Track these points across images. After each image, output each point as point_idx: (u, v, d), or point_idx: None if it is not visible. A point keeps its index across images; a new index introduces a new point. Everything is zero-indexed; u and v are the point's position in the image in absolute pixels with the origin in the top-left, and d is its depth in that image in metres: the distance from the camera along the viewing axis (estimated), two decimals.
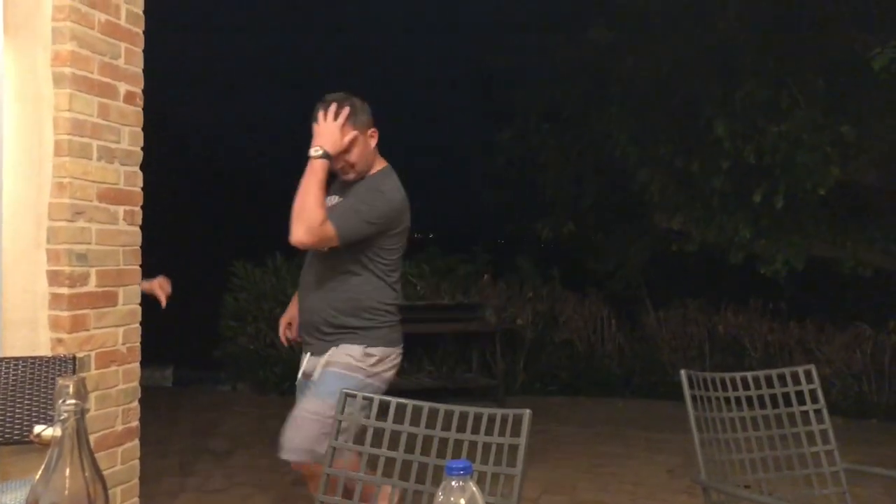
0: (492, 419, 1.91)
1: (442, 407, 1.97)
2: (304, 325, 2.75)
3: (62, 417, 1.04)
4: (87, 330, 2.94)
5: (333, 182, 2.76)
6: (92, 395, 2.91)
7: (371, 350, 2.60)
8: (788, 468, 2.63)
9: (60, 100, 2.84)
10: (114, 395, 3.08)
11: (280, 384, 6.82)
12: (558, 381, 8.01)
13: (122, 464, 3.13)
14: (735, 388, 2.66)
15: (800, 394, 2.67)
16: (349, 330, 2.60)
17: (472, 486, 1.13)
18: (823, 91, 6.78)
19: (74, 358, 2.76)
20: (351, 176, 2.67)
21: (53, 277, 2.86)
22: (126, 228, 3.14)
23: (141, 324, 3.25)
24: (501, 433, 1.88)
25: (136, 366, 3.23)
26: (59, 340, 2.85)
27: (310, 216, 2.46)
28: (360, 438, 2.05)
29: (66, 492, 1.02)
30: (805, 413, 2.65)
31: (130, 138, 3.15)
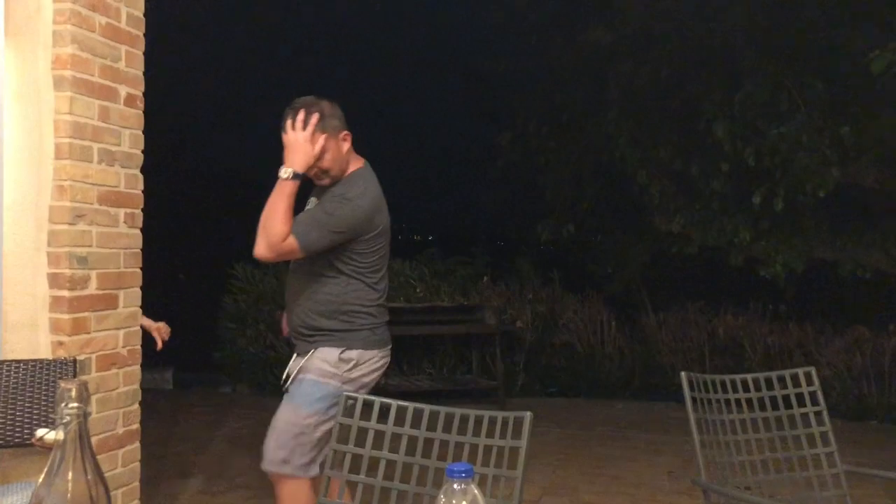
0: (492, 422, 1.91)
1: (442, 409, 1.97)
2: (290, 327, 2.75)
3: (64, 421, 1.04)
4: (88, 333, 2.94)
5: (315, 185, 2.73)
6: (93, 398, 2.91)
7: (348, 353, 2.54)
8: (789, 470, 2.64)
9: (61, 103, 2.84)
10: (114, 397, 3.08)
11: (280, 386, 6.80)
12: (558, 383, 8.01)
13: (123, 466, 3.13)
14: (735, 391, 2.67)
15: (800, 396, 2.67)
16: (327, 332, 2.56)
17: (474, 489, 1.13)
18: (823, 93, 6.79)
19: (75, 361, 2.76)
20: (326, 181, 2.61)
21: (54, 280, 2.86)
22: (127, 231, 3.14)
23: (141, 326, 3.25)
24: (502, 436, 1.88)
25: (137, 368, 3.22)
26: (60, 343, 2.85)
27: (272, 232, 2.44)
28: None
29: (69, 495, 1.02)
30: (805, 415, 2.65)
31: (131, 141, 3.15)
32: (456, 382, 7.49)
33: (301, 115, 2.52)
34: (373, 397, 2.05)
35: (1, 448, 2.64)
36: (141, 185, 3.23)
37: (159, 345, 3.31)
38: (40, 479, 1.04)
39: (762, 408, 2.67)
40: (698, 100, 7.23)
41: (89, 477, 1.04)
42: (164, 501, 4.18)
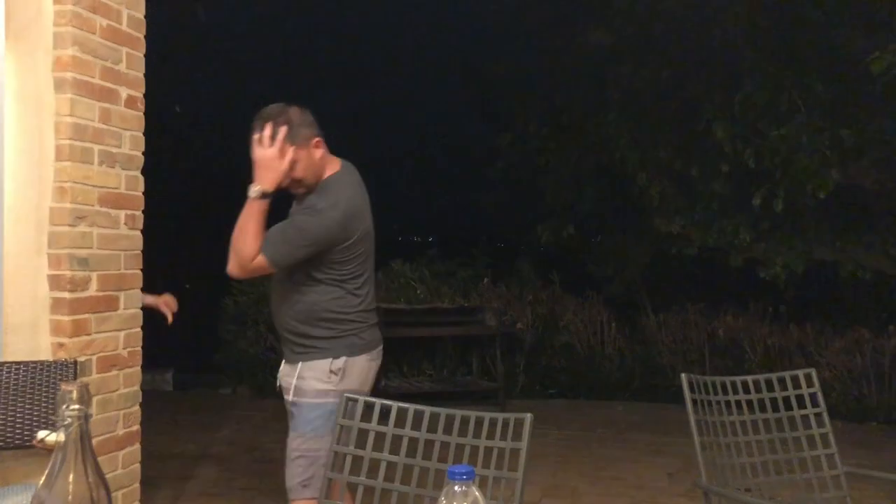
0: (493, 423, 1.92)
1: (443, 411, 1.97)
2: (277, 332, 2.74)
3: (65, 423, 1.04)
4: (89, 334, 2.94)
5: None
6: (93, 400, 2.91)
7: (336, 363, 2.50)
8: (789, 472, 2.64)
9: (61, 104, 2.85)
10: (115, 399, 3.08)
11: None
12: (558, 384, 8.01)
13: (123, 468, 3.13)
14: (735, 392, 2.67)
15: (800, 397, 2.68)
16: (312, 340, 2.52)
17: (475, 491, 1.13)
18: (823, 94, 6.79)
19: (76, 362, 2.77)
20: (301, 191, 2.55)
21: (55, 282, 2.86)
22: (127, 233, 3.14)
23: (142, 328, 3.25)
24: (503, 437, 1.88)
25: (138, 370, 3.23)
26: (61, 345, 2.85)
27: (242, 253, 2.40)
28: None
29: (70, 497, 1.02)
30: (805, 417, 2.65)
31: (131, 143, 3.16)
32: (456, 384, 7.49)
33: (268, 130, 2.43)
34: (373, 399, 2.06)
35: (2, 450, 2.64)
36: (141, 187, 3.23)
37: (169, 318, 3.26)
38: (41, 481, 1.05)
39: (762, 409, 2.67)
40: (698, 101, 7.23)
41: (90, 479, 1.04)
42: (164, 503, 4.18)
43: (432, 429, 1.97)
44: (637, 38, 7.75)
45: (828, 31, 6.86)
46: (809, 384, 2.68)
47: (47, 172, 2.85)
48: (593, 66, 8.31)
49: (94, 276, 2.96)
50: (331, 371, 2.49)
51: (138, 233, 3.22)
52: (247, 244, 2.40)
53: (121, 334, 3.11)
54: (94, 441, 2.50)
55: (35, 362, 2.72)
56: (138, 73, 3.20)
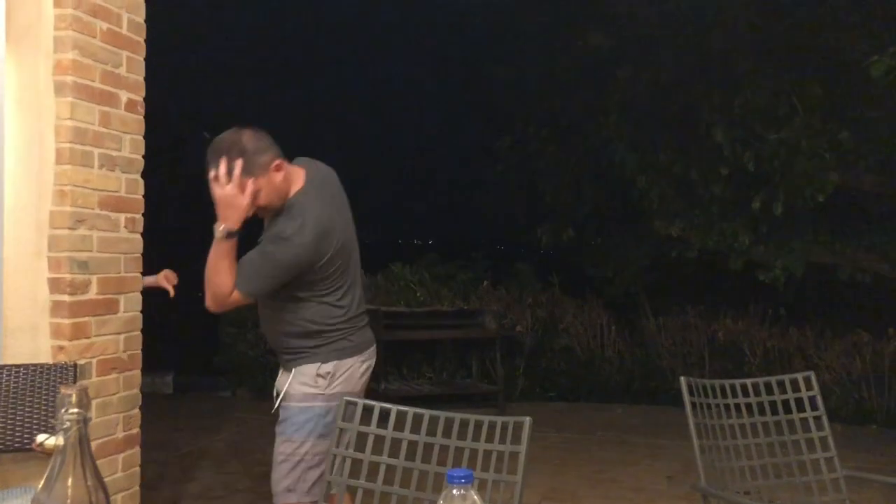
0: (492, 427, 1.92)
1: (442, 414, 1.97)
2: (270, 344, 2.73)
3: (65, 426, 1.05)
4: (89, 337, 2.94)
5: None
6: (93, 403, 2.91)
7: (324, 367, 2.49)
8: (788, 475, 2.64)
9: (62, 108, 2.85)
10: (115, 402, 3.08)
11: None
12: (558, 387, 8.01)
13: (123, 471, 3.13)
14: (735, 395, 2.67)
15: (799, 401, 2.68)
16: (302, 350, 2.52)
17: (474, 495, 1.13)
18: (822, 98, 6.80)
19: (76, 365, 2.77)
20: (269, 215, 2.49)
21: (54, 285, 2.86)
22: (127, 236, 3.14)
23: (142, 331, 3.25)
24: (502, 441, 1.88)
25: (137, 373, 3.23)
26: (61, 348, 2.85)
27: (218, 290, 2.38)
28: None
29: (69, 500, 1.03)
30: (805, 420, 2.65)
31: (132, 146, 3.16)
32: (456, 387, 7.49)
33: (223, 166, 2.32)
34: (373, 402, 2.06)
35: (1, 453, 2.64)
36: (141, 190, 3.23)
37: (171, 292, 3.20)
38: (40, 485, 1.05)
39: (762, 412, 2.67)
40: (697, 104, 7.24)
41: (89, 482, 1.04)
42: None
43: (431, 432, 1.97)
44: (636, 42, 7.76)
45: (826, 34, 6.87)
46: (809, 387, 2.68)
47: (47, 176, 2.86)
48: (593, 69, 8.32)
49: (93, 279, 2.96)
50: (318, 375, 2.48)
51: (138, 236, 3.22)
52: (221, 282, 2.36)
53: (121, 337, 3.11)
54: (94, 444, 2.51)
55: (35, 365, 2.72)
56: (138, 77, 3.20)
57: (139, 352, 3.24)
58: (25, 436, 2.64)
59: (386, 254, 9.77)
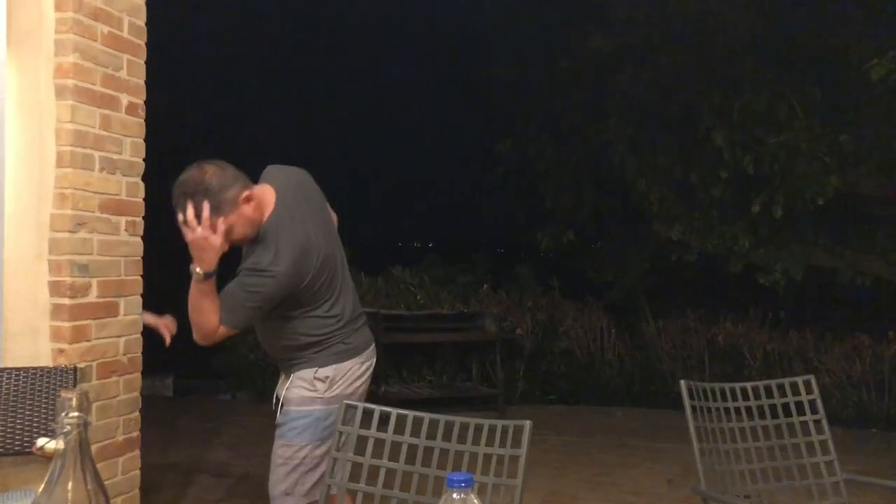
0: (492, 430, 1.92)
1: (442, 418, 1.97)
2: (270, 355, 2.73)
3: (65, 430, 1.05)
4: (89, 340, 2.94)
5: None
6: (93, 406, 2.91)
7: (322, 371, 2.48)
8: (788, 479, 2.64)
9: (62, 111, 2.86)
10: (115, 405, 3.09)
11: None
12: (558, 390, 8.01)
13: (123, 474, 3.13)
14: (735, 399, 2.67)
15: (799, 404, 2.68)
16: (301, 357, 2.52)
17: (474, 499, 1.13)
18: (821, 101, 6.81)
19: (76, 368, 2.77)
20: (246, 244, 2.45)
21: (55, 288, 2.86)
22: (127, 239, 3.15)
23: (142, 334, 3.25)
24: (502, 444, 1.88)
25: (138, 376, 3.23)
26: (61, 351, 2.85)
27: (204, 327, 2.37)
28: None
29: None
30: (805, 423, 2.65)
31: (132, 149, 3.17)
32: (456, 390, 7.49)
33: (190, 211, 2.26)
34: (373, 405, 2.05)
35: (1, 456, 2.64)
36: (142, 194, 3.24)
37: (167, 340, 3.24)
38: (40, 489, 1.05)
39: (762, 416, 2.67)
40: (697, 108, 7.25)
41: (89, 486, 1.04)
42: None
43: (432, 435, 1.97)
44: (637, 46, 7.76)
45: (826, 38, 6.88)
46: (809, 391, 2.68)
47: (48, 179, 2.86)
48: (593, 72, 8.33)
49: (94, 282, 2.97)
50: (315, 378, 2.48)
51: (139, 239, 3.23)
52: (206, 320, 2.35)
53: (121, 340, 3.12)
54: (94, 447, 2.50)
55: (35, 368, 2.72)
56: (139, 80, 3.21)
57: (139, 355, 3.24)
58: (25, 439, 2.64)
59: (386, 256, 9.78)
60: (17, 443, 2.63)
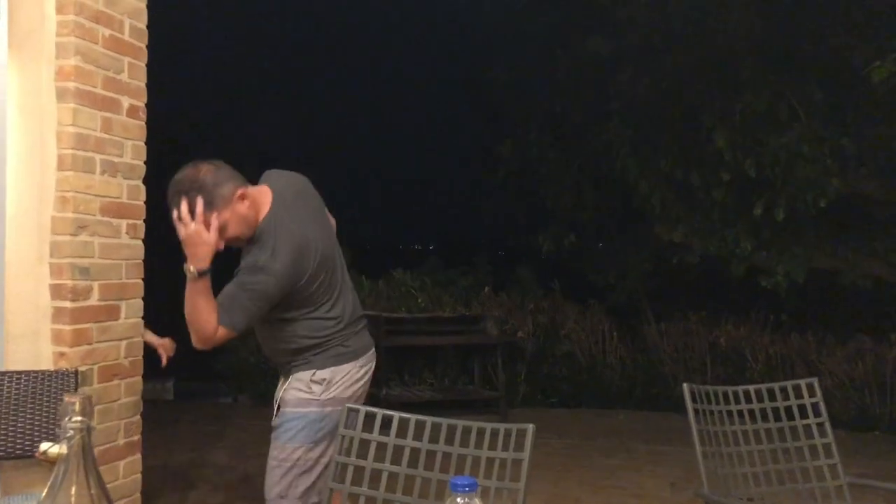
0: (495, 434, 1.91)
1: (445, 421, 1.97)
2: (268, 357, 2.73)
3: (68, 435, 1.04)
4: (90, 344, 2.94)
5: None
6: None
7: (320, 374, 2.47)
8: (791, 482, 2.63)
9: (64, 114, 2.86)
10: (116, 408, 3.08)
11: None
12: (560, 393, 8.00)
13: (124, 478, 3.13)
14: (737, 402, 2.67)
15: (802, 407, 2.67)
16: (300, 359, 2.50)
17: (478, 503, 1.13)
18: (822, 103, 6.81)
19: (77, 372, 2.76)
20: (241, 244, 2.44)
21: (56, 291, 2.86)
22: (129, 242, 3.15)
23: (146, 343, 3.25)
24: (505, 448, 1.88)
25: (139, 379, 3.23)
26: (62, 354, 2.85)
27: (202, 329, 2.33)
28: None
29: None
30: (808, 426, 2.65)
31: (133, 152, 3.17)
32: (457, 393, 7.48)
33: (184, 206, 2.28)
34: (375, 409, 2.05)
35: (3, 460, 2.64)
36: (143, 196, 3.24)
37: (164, 361, 3.29)
38: (44, 494, 1.04)
39: (764, 419, 2.67)
40: (699, 110, 7.25)
41: (93, 491, 1.04)
42: None
43: (434, 439, 1.96)
44: (638, 47, 7.77)
45: (828, 40, 6.88)
46: (811, 394, 2.67)
47: (49, 182, 2.86)
48: (594, 75, 8.33)
49: (95, 285, 2.96)
50: (312, 381, 2.47)
51: (140, 242, 3.22)
52: (203, 321, 2.32)
53: (122, 344, 3.11)
54: (96, 451, 2.50)
55: (36, 372, 2.72)
56: (140, 83, 3.21)
57: (140, 358, 3.24)
58: (27, 443, 2.63)
59: (387, 259, 9.78)
60: (18, 446, 2.63)
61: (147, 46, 3.25)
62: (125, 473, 3.13)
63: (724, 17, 7.11)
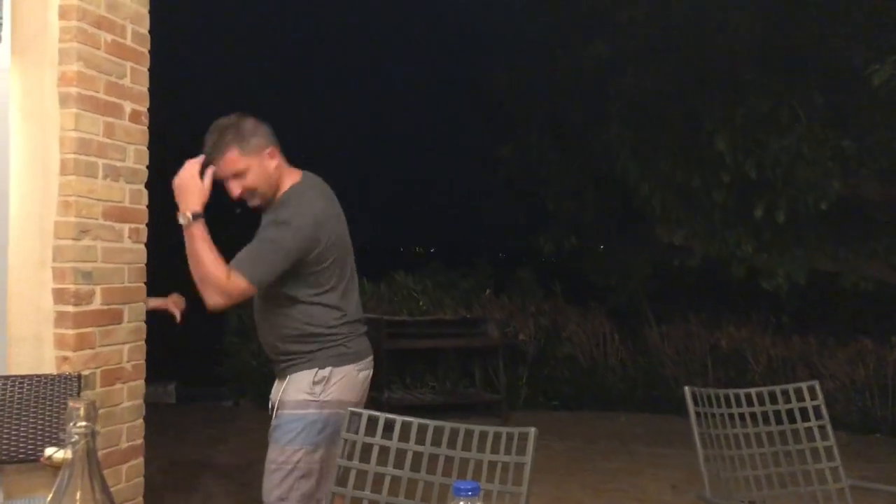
0: (497, 437, 1.92)
1: (447, 425, 1.97)
2: (265, 350, 2.72)
3: (73, 440, 1.05)
4: (93, 348, 2.94)
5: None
6: None
7: (321, 373, 2.46)
8: (793, 485, 2.63)
9: (66, 119, 2.86)
10: (119, 412, 3.09)
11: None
12: (561, 395, 8.00)
13: (127, 481, 3.13)
14: (739, 405, 2.67)
15: (804, 410, 2.67)
16: (297, 355, 2.49)
17: None
18: (823, 105, 6.81)
19: (80, 376, 2.77)
20: (256, 201, 2.49)
21: (59, 295, 2.87)
22: (131, 246, 3.15)
23: (145, 341, 3.25)
24: (507, 451, 1.88)
25: (141, 383, 3.23)
26: (65, 358, 2.85)
27: (212, 276, 2.30)
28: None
29: None
30: (809, 429, 2.65)
31: (136, 156, 3.18)
32: (459, 396, 7.48)
33: (209, 143, 2.41)
34: (378, 413, 2.05)
35: (5, 464, 2.64)
36: (145, 201, 3.24)
37: (178, 318, 3.16)
38: (49, 498, 1.05)
39: (766, 422, 2.67)
40: (699, 112, 7.25)
41: (97, 496, 1.05)
42: None
43: (436, 442, 1.97)
44: (638, 50, 7.77)
45: (828, 43, 6.89)
46: (813, 396, 2.68)
47: (52, 186, 2.87)
48: (594, 78, 8.33)
49: (98, 289, 2.97)
50: (314, 382, 2.46)
51: (142, 246, 3.23)
52: (211, 268, 2.30)
53: (125, 347, 3.12)
54: (99, 455, 2.50)
55: (39, 376, 2.73)
56: (142, 88, 3.22)
57: (143, 362, 3.24)
58: (30, 447, 2.64)
59: (387, 261, 9.78)
60: (21, 451, 2.63)
61: (149, 51, 3.26)
62: (128, 477, 3.14)
63: (725, 19, 7.12)
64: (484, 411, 7.15)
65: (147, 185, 3.25)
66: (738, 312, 8.05)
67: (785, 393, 2.69)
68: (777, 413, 2.68)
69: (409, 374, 7.70)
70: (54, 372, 2.81)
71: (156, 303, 3.23)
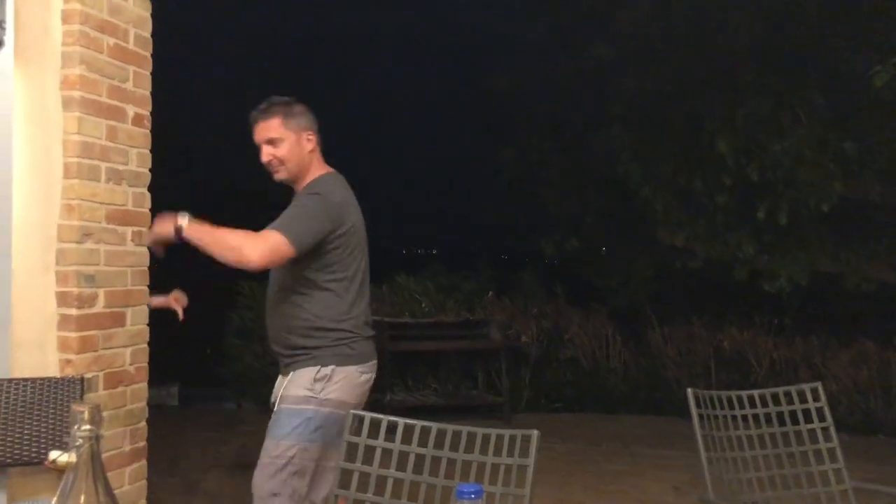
0: (500, 440, 1.92)
1: (450, 427, 1.97)
2: (271, 344, 2.73)
3: (77, 443, 1.05)
4: (96, 350, 2.95)
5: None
6: None
7: (323, 371, 2.48)
8: (796, 487, 2.63)
9: (69, 123, 2.87)
10: (122, 415, 3.09)
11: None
12: (563, 397, 7.99)
13: (130, 484, 3.14)
14: (742, 406, 2.67)
15: (807, 412, 2.67)
16: (303, 350, 2.52)
17: None
18: (825, 108, 6.81)
19: (83, 379, 2.78)
20: (281, 174, 2.62)
21: (62, 299, 2.87)
22: (134, 249, 3.16)
23: (148, 343, 3.26)
24: (510, 454, 1.89)
25: (144, 385, 3.23)
26: (68, 361, 2.86)
27: (240, 238, 2.42)
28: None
29: None
30: (812, 431, 2.65)
31: (138, 160, 3.18)
32: (461, 398, 7.48)
33: (263, 107, 2.62)
34: (380, 415, 2.06)
35: (9, 467, 2.65)
36: (148, 204, 3.25)
37: (181, 315, 3.14)
38: (53, 502, 1.05)
39: (769, 423, 2.67)
40: (701, 115, 7.25)
41: (101, 499, 1.05)
42: None
43: (439, 445, 1.97)
44: (638, 51, 7.78)
45: (830, 44, 6.89)
46: (816, 398, 2.68)
47: (55, 190, 2.88)
48: (596, 80, 8.34)
49: (101, 292, 2.97)
50: (315, 378, 2.47)
51: (145, 249, 3.23)
52: (230, 235, 2.45)
53: (128, 350, 3.12)
54: (102, 457, 2.50)
55: (42, 379, 2.73)
56: (145, 91, 3.22)
57: (146, 364, 3.24)
58: (33, 450, 2.64)
59: (390, 264, 9.79)
60: (24, 453, 2.64)
61: (151, 55, 3.26)
62: (131, 480, 3.14)
63: (725, 19, 7.12)
64: (486, 413, 7.15)
65: (149, 189, 3.25)
66: (741, 314, 8.04)
67: (788, 395, 2.69)
68: (780, 415, 2.67)
69: (411, 377, 7.70)
70: (58, 375, 2.82)
71: (158, 301, 3.23)
